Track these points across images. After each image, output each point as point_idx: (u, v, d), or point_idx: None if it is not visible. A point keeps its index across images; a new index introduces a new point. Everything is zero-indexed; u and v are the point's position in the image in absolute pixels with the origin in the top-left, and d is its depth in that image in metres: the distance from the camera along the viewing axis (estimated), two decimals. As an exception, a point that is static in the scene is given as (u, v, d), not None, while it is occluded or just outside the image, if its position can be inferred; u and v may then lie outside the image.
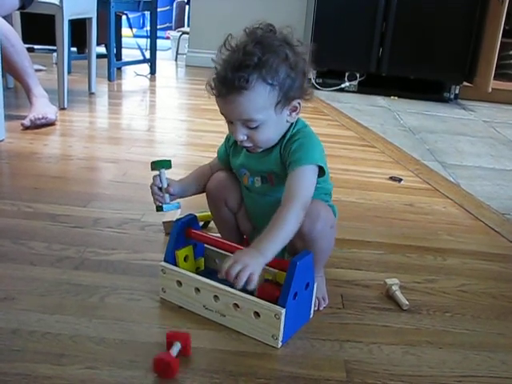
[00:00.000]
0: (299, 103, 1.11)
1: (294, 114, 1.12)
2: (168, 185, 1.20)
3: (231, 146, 1.23)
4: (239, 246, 1.15)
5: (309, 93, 1.13)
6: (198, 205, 1.63)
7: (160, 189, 1.20)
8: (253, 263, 0.99)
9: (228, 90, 1.04)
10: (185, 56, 4.94)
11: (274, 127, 1.11)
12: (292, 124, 1.15)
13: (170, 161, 1.21)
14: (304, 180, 1.09)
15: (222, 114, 1.12)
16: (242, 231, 1.31)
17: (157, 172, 1.20)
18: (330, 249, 1.20)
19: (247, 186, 1.22)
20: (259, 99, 1.05)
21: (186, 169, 1.99)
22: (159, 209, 1.20)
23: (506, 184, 2.21)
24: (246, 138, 1.10)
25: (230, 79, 1.03)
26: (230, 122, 1.12)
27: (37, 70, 2.78)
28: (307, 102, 1.14)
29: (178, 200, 1.25)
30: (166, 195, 1.20)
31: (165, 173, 1.20)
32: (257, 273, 0.99)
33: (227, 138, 1.26)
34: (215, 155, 1.30)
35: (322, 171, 1.13)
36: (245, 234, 1.32)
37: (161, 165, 1.20)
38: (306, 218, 1.08)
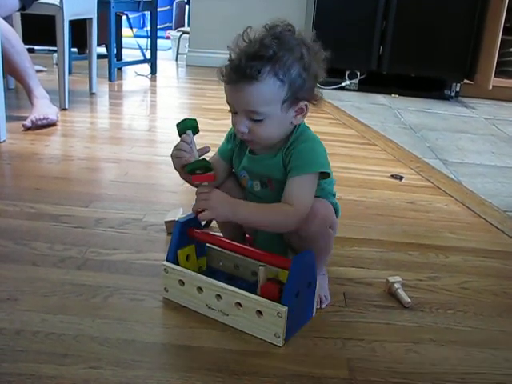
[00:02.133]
0: (306, 105, 1.10)
1: (299, 116, 1.11)
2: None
3: (237, 145, 1.21)
4: (242, 245, 1.15)
5: (317, 98, 1.12)
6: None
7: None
8: (216, 205, 1.05)
9: (238, 77, 1.03)
10: (185, 56, 4.94)
11: (278, 125, 1.10)
12: (295, 128, 1.14)
13: (194, 120, 1.14)
14: (303, 189, 1.09)
15: (228, 103, 1.11)
16: (246, 231, 1.31)
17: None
18: (328, 248, 1.20)
19: (247, 188, 1.22)
20: (267, 92, 1.04)
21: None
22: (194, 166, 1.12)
23: (508, 181, 2.20)
24: (247, 130, 1.09)
25: (242, 67, 1.02)
26: (234, 113, 1.11)
27: (37, 71, 2.78)
28: (314, 107, 1.13)
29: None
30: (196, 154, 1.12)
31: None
32: (212, 212, 1.05)
33: (231, 136, 1.23)
34: (217, 155, 1.27)
35: (326, 173, 1.13)
36: (248, 234, 1.32)
37: (186, 126, 1.13)
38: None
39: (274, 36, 1.04)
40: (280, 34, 1.05)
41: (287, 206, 1.08)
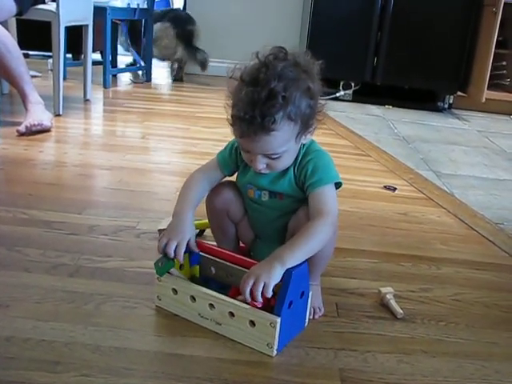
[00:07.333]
0: (315, 127, 1.13)
1: (308, 135, 1.13)
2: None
3: (242, 161, 1.20)
4: (235, 255, 1.15)
5: (321, 111, 1.12)
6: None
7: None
8: (264, 273, 1.00)
9: (256, 131, 1.03)
10: (180, 63, 4.95)
11: (293, 153, 1.14)
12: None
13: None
14: (328, 198, 1.13)
15: (240, 144, 1.12)
16: (242, 241, 1.31)
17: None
18: (329, 256, 1.21)
19: (253, 199, 1.22)
20: (284, 136, 1.06)
21: (180, 176, 2.00)
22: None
23: (500, 193, 2.22)
24: (265, 166, 1.11)
25: (259, 123, 1.01)
26: (247, 152, 1.11)
27: (32, 77, 2.77)
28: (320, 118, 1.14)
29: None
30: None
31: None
32: (271, 282, 1.00)
33: (234, 148, 1.22)
34: (216, 162, 1.25)
35: (339, 184, 1.18)
36: (244, 243, 1.32)
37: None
38: None
39: (277, 77, 1.01)
40: (281, 72, 1.02)
41: (318, 219, 1.09)
